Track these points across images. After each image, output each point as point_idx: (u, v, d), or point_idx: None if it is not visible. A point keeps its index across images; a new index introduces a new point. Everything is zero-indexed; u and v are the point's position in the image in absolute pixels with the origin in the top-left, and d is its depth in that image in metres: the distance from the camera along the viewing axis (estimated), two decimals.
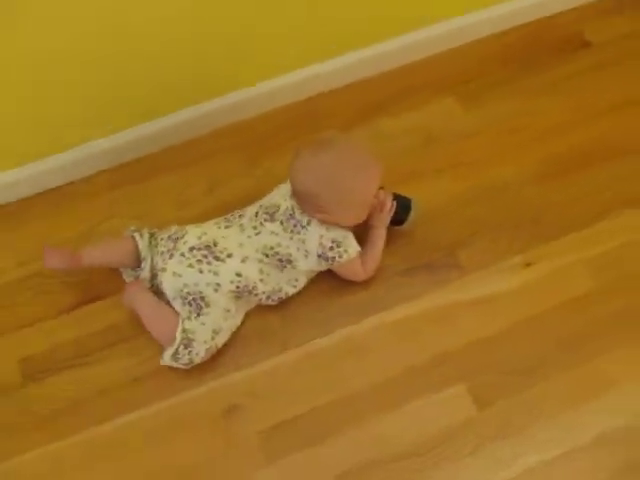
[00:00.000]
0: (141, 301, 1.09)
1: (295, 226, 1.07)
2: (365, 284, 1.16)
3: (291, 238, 1.07)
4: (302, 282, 1.14)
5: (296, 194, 1.06)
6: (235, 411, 1.06)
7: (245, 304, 1.13)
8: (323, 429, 1.03)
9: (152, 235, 1.14)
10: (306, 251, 1.08)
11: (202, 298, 1.05)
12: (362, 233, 1.14)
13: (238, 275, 1.06)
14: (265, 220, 1.09)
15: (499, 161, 1.30)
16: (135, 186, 1.32)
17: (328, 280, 1.15)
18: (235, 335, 1.12)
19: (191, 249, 1.06)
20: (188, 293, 1.05)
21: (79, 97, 1.19)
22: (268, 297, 1.11)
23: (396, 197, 1.15)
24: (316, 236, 1.06)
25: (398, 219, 1.16)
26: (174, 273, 1.05)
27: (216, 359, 1.09)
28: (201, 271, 1.04)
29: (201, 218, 1.15)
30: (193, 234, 1.08)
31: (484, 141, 1.33)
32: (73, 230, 1.25)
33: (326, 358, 1.11)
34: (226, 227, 1.10)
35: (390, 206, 1.13)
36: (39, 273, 1.19)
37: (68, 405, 1.07)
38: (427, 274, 1.18)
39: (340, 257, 1.08)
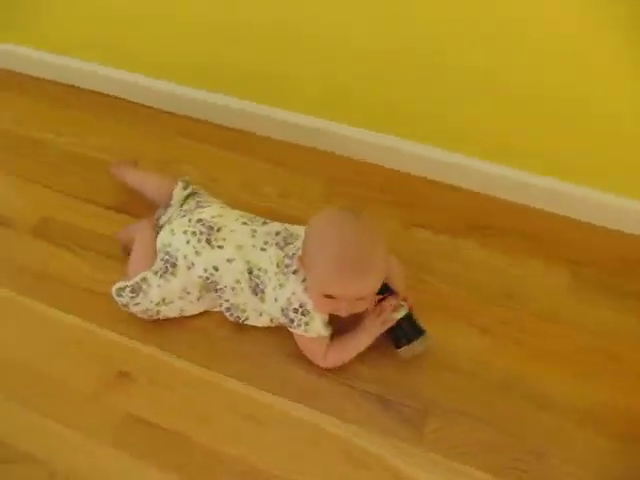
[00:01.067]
0: (141, 236, 1.12)
1: (287, 267, 1.00)
2: (321, 372, 1.02)
3: (277, 273, 1.01)
4: (265, 321, 1.06)
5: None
6: (123, 378, 1.02)
7: (210, 301, 1.08)
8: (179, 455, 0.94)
9: (191, 193, 1.16)
10: (276, 298, 1.01)
11: (174, 265, 1.04)
12: (351, 323, 1.01)
13: (215, 269, 1.03)
14: (277, 244, 1.04)
15: None
16: (242, 157, 1.40)
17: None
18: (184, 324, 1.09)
19: (198, 220, 1.06)
20: (168, 253, 1.05)
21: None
22: (229, 309, 1.06)
23: (410, 318, 1.00)
24: (290, 289, 0.98)
25: (398, 339, 1.01)
26: (171, 230, 1.06)
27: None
28: (188, 242, 1.04)
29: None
30: (211, 210, 1.08)
31: None
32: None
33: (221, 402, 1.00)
34: (243, 223, 1.07)
35: (385, 316, 0.99)
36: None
37: None
38: (381, 410, 0.99)
39: (299, 326, 0.97)
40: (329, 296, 0.91)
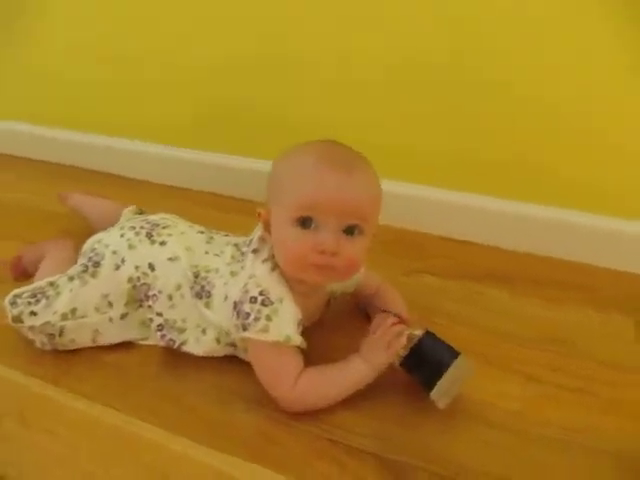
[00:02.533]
0: (57, 253, 0.89)
1: (243, 254, 0.75)
2: (284, 418, 0.67)
3: (229, 264, 0.75)
4: (208, 342, 0.73)
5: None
6: None
7: (138, 326, 0.78)
8: None
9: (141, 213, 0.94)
10: (226, 295, 0.72)
11: (97, 264, 0.77)
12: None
13: (150, 267, 0.76)
14: (236, 245, 0.79)
15: None
16: None
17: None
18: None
19: (143, 220, 0.84)
20: (94, 250, 0.80)
21: None
22: (161, 327, 0.75)
23: (433, 338, 0.69)
24: (247, 272, 0.71)
25: (426, 376, 0.67)
26: (106, 230, 0.84)
27: None
28: (122, 235, 0.80)
29: None
30: (163, 216, 0.87)
31: None
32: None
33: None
34: (199, 232, 0.84)
35: (392, 336, 0.68)
36: None
37: None
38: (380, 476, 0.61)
39: (256, 320, 0.66)
40: (304, 220, 0.64)
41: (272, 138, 1.06)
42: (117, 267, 0.77)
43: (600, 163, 0.96)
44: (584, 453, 0.64)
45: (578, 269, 1.00)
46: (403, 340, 0.68)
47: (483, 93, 0.98)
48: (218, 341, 0.73)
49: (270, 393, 0.68)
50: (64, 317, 0.75)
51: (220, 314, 0.72)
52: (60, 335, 0.75)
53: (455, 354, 0.67)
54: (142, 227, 0.81)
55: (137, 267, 0.76)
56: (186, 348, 0.74)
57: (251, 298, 0.67)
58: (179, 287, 0.75)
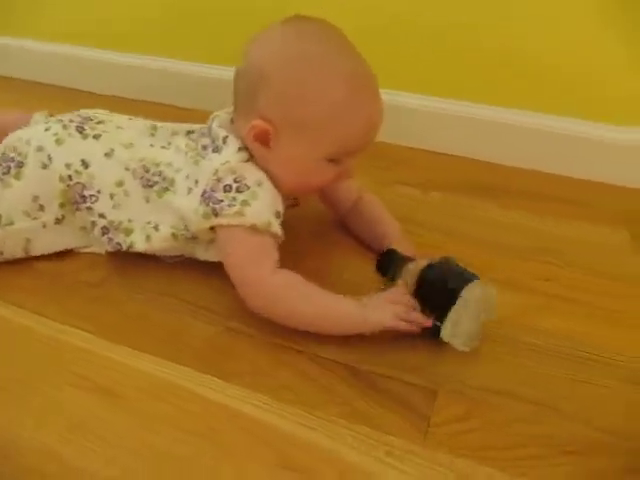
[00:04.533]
0: None
1: (205, 147, 0.64)
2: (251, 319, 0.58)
3: (188, 158, 0.65)
4: (162, 237, 0.63)
5: (240, 78, 0.61)
6: None
7: (72, 230, 0.68)
8: None
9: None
10: (195, 181, 0.62)
11: (20, 163, 0.66)
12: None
13: (84, 164, 0.66)
14: (188, 136, 0.69)
15: None
16: None
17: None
18: None
19: (73, 114, 0.72)
20: (14, 150, 0.67)
21: None
22: (105, 229, 0.65)
23: (448, 263, 0.58)
24: (220, 160, 0.60)
25: (436, 311, 0.56)
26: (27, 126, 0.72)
27: None
28: (47, 129, 0.68)
29: None
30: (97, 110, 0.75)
31: None
32: None
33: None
34: (139, 124, 0.72)
35: (408, 310, 0.56)
36: None
37: None
38: (353, 388, 0.54)
39: (229, 207, 0.57)
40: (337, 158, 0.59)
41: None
42: (44, 166, 0.65)
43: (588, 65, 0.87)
44: (576, 362, 0.57)
45: (570, 183, 0.92)
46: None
47: None
48: (175, 237, 0.63)
49: (239, 284, 0.58)
50: None
51: (183, 202, 0.62)
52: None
53: (467, 280, 0.55)
54: (71, 120, 0.69)
55: (68, 165, 0.65)
56: (135, 248, 0.64)
57: (225, 187, 0.57)
58: (121, 183, 0.65)
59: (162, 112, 1.07)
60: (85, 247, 0.69)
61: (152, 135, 0.70)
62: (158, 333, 0.59)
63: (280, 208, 0.60)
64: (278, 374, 0.55)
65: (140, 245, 0.64)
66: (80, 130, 0.67)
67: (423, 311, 0.56)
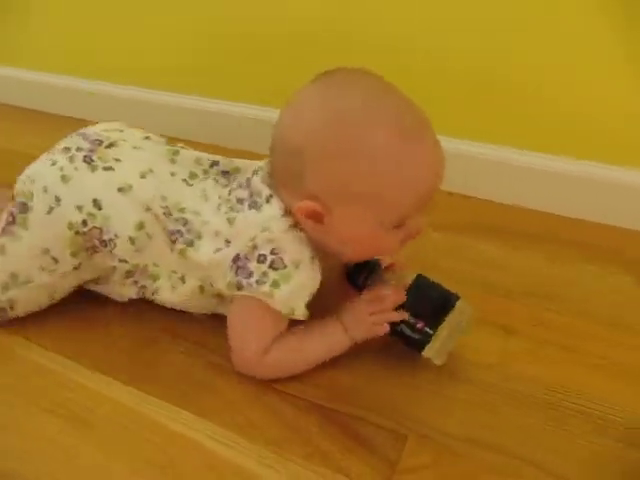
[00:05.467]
0: None
1: (241, 201, 0.57)
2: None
3: (220, 212, 0.58)
4: (186, 292, 0.61)
5: (278, 154, 0.55)
6: None
7: (92, 270, 0.63)
8: None
9: None
10: (226, 241, 0.56)
11: (24, 208, 0.60)
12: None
13: (97, 205, 0.58)
14: (215, 179, 0.62)
15: None
16: None
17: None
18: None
19: (79, 134, 0.65)
20: (22, 194, 0.61)
21: None
22: (130, 273, 0.61)
23: (423, 284, 0.58)
24: (260, 220, 0.54)
25: (429, 317, 0.56)
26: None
27: None
28: (54, 164, 0.61)
29: None
30: (102, 125, 0.68)
31: None
32: None
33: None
34: (158, 143, 0.66)
35: (385, 308, 0.57)
36: None
37: None
38: (321, 429, 0.53)
39: (258, 284, 0.53)
40: (401, 221, 0.52)
41: None
42: (50, 210, 0.59)
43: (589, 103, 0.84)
44: (565, 413, 0.54)
45: (571, 224, 0.89)
46: (391, 299, 0.57)
47: None
48: (202, 290, 0.60)
49: (234, 350, 0.57)
50: (5, 287, 0.60)
51: (207, 255, 0.57)
52: (12, 309, 0.62)
53: (450, 299, 0.57)
54: (79, 148, 0.61)
55: (80, 207, 0.58)
56: (160, 298, 0.62)
57: (260, 256, 0.53)
58: (141, 226, 0.58)
59: None
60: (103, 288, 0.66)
61: (172, 162, 0.63)
62: (136, 363, 0.60)
63: (315, 289, 0.56)
64: (250, 412, 0.54)
65: (166, 294, 0.61)
66: (88, 161, 0.60)
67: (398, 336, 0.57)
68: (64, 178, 0.59)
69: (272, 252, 0.53)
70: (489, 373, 0.58)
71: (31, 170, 0.62)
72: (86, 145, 0.62)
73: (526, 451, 0.50)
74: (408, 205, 0.51)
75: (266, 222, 0.54)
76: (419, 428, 0.52)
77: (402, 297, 0.56)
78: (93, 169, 0.60)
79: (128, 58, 1.25)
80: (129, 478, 0.48)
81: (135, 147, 0.63)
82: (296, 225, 0.54)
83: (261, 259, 0.53)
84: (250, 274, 0.53)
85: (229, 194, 0.59)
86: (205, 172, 0.63)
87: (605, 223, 0.88)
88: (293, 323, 0.57)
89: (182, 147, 0.66)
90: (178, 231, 0.59)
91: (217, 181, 0.62)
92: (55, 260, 0.60)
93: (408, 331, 0.56)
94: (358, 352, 0.58)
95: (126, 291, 0.63)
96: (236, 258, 0.54)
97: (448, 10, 0.87)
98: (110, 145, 0.62)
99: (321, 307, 0.57)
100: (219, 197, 0.59)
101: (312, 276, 0.55)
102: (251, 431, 0.52)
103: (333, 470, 0.48)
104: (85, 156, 0.61)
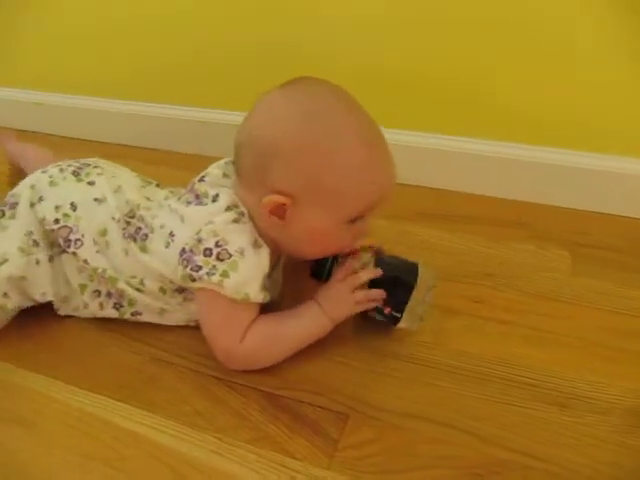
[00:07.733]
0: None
1: (189, 201, 0.60)
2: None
3: (170, 208, 0.62)
4: (148, 296, 0.63)
5: (244, 151, 0.58)
6: None
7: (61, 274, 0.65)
8: None
9: None
10: (172, 235, 0.59)
11: (14, 205, 0.66)
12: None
13: (73, 207, 0.64)
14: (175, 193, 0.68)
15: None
16: None
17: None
18: None
19: (75, 160, 0.72)
20: (13, 195, 0.68)
21: None
22: (92, 278, 0.64)
23: (382, 263, 0.61)
24: (205, 217, 0.57)
25: (394, 300, 0.59)
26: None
27: None
28: (44, 172, 0.69)
29: None
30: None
31: None
32: None
33: None
34: (144, 182, 0.73)
35: (358, 282, 0.59)
36: None
37: None
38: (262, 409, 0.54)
39: (208, 275, 0.55)
40: (356, 219, 0.56)
41: None
42: (32, 204, 0.65)
43: (538, 90, 0.88)
44: (503, 384, 0.57)
45: (512, 206, 0.93)
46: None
47: None
48: (163, 291, 0.62)
49: (212, 346, 0.58)
50: None
51: (158, 256, 0.60)
52: None
53: (412, 271, 0.60)
54: (69, 165, 0.69)
55: (57, 207, 0.64)
56: (126, 294, 0.63)
57: (205, 250, 0.55)
58: (104, 232, 0.63)
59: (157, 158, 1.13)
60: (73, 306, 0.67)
61: (142, 187, 0.70)
62: (78, 362, 0.60)
63: (266, 271, 0.58)
64: (196, 402, 0.55)
65: (131, 292, 0.62)
66: (76, 174, 0.68)
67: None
68: (52, 183, 0.67)
69: (217, 244, 0.55)
70: (427, 350, 0.61)
71: (27, 179, 0.70)
72: (75, 164, 0.71)
73: (464, 420, 0.53)
74: (367, 202, 0.56)
75: (210, 216, 0.57)
76: (359, 406, 0.54)
77: (377, 271, 0.59)
78: (78, 180, 0.68)
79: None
80: (81, 477, 0.48)
81: (114, 175, 0.70)
82: (240, 218, 0.57)
83: (207, 253, 0.55)
84: (199, 267, 0.55)
85: (179, 199, 0.63)
86: (167, 196, 0.68)
87: (541, 203, 0.92)
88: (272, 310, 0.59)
89: (154, 183, 0.73)
90: (136, 230, 0.63)
91: (172, 193, 0.68)
92: (35, 243, 0.64)
93: (379, 316, 0.60)
94: None
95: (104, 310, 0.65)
96: (182, 251, 0.57)
97: None
98: (96, 167, 0.71)
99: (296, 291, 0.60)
100: (171, 202, 0.63)
101: (259, 261, 0.57)
102: (198, 421, 0.53)
103: (280, 452, 0.50)
104: (74, 170, 0.69)
